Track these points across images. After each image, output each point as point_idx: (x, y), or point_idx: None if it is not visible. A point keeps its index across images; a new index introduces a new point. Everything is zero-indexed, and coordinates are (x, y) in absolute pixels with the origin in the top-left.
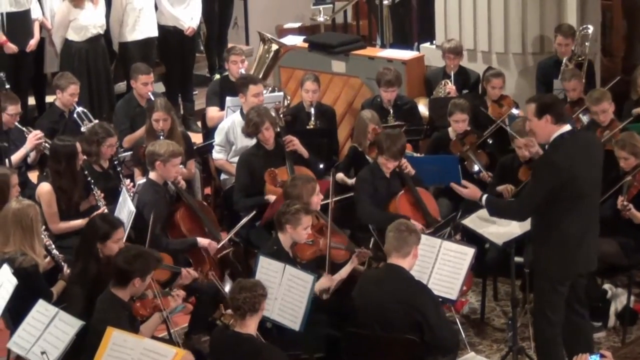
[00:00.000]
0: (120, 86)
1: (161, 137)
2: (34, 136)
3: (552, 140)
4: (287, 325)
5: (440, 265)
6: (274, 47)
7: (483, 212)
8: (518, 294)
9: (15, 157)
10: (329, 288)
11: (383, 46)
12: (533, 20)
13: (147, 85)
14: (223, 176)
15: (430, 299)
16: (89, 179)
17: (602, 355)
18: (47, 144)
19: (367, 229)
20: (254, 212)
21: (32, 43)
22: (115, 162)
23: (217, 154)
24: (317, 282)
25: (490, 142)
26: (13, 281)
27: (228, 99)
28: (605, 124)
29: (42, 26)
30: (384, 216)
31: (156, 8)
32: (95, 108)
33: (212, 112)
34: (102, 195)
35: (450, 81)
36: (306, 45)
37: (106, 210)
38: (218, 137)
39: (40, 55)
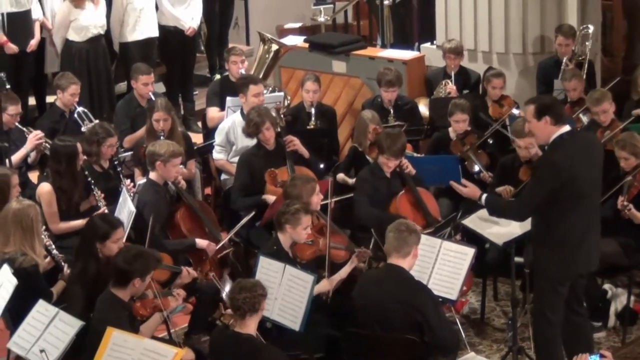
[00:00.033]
0: (121, 86)
1: (161, 137)
2: (35, 136)
3: (551, 141)
4: (287, 325)
5: (441, 266)
6: (274, 47)
7: (483, 212)
8: (518, 294)
9: (16, 157)
10: (329, 292)
11: (384, 46)
12: (533, 20)
13: (147, 85)
14: (223, 176)
15: (430, 299)
16: (90, 179)
17: (602, 356)
18: (47, 144)
19: (367, 229)
20: (254, 212)
21: (33, 43)
22: (116, 162)
23: (218, 154)
24: (316, 284)
25: (491, 142)
26: (13, 281)
27: (228, 99)
28: (606, 124)
29: (43, 26)
30: (382, 216)
31: (157, 8)
32: (96, 108)
33: (213, 112)
34: (103, 195)
35: (451, 81)
36: (307, 45)
37: (106, 211)
38: (218, 137)
39: (41, 55)
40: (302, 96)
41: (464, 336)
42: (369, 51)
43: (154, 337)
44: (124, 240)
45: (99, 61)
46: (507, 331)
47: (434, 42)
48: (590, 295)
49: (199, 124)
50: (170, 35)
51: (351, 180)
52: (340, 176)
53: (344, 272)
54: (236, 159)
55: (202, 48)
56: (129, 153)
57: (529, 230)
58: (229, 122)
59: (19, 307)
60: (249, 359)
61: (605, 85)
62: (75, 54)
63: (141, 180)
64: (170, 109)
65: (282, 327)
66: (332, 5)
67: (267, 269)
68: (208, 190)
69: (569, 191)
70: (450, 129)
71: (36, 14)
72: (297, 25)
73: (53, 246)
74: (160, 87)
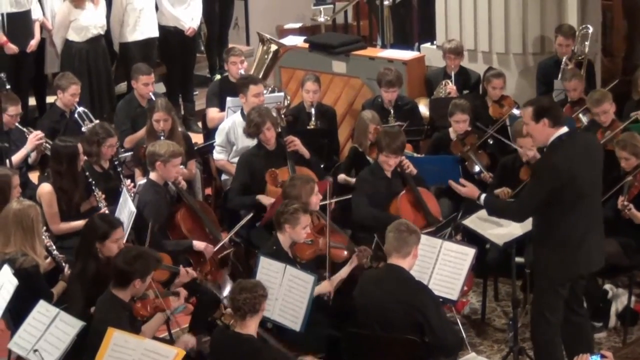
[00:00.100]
0: (121, 86)
1: (162, 138)
2: (35, 137)
3: (550, 142)
4: (288, 325)
5: (441, 266)
6: (273, 47)
7: (484, 213)
8: (519, 295)
9: (16, 157)
10: (330, 293)
11: (384, 46)
12: (533, 20)
13: (148, 85)
14: (224, 177)
15: (431, 299)
16: (90, 180)
17: (602, 356)
18: (47, 145)
19: (368, 228)
20: (252, 213)
21: (33, 43)
22: (116, 163)
23: (218, 155)
24: (317, 284)
25: (491, 142)
26: (14, 282)
27: (228, 99)
28: (606, 125)
29: (43, 27)
30: (380, 216)
31: (157, 8)
32: (96, 108)
33: (212, 112)
34: (103, 196)
35: (451, 81)
36: (307, 45)
37: (107, 211)
38: (219, 138)
39: (41, 55)
40: (302, 96)
41: (464, 336)
42: (369, 51)
43: (154, 338)
44: (124, 240)
45: (99, 61)
46: (507, 331)
47: (434, 42)
48: (591, 295)
49: (199, 124)
50: (170, 35)
51: (353, 180)
52: (342, 177)
53: (344, 272)
54: (237, 159)
55: (202, 48)
56: (129, 153)
57: (530, 230)
58: (229, 122)
59: (19, 308)
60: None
61: (605, 86)
62: (75, 54)
63: (141, 181)
64: (170, 109)
65: (282, 327)
66: (332, 6)
67: (268, 270)
68: (208, 191)
69: (569, 192)
70: (450, 129)
71: (36, 14)
72: (297, 25)
73: (54, 247)
74: (161, 88)
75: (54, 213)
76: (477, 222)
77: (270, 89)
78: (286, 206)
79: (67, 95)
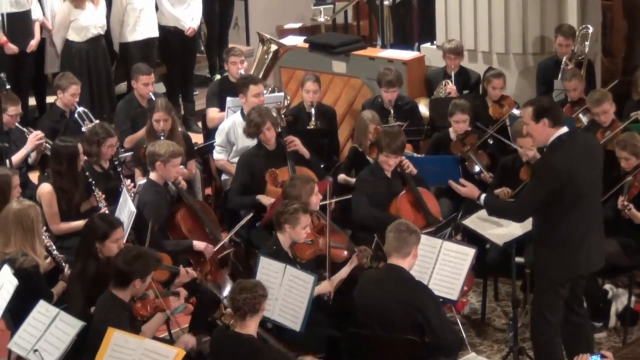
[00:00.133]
0: (121, 86)
1: (162, 138)
2: (35, 137)
3: (550, 142)
4: (288, 325)
5: (441, 266)
6: (273, 47)
7: (484, 213)
8: (519, 295)
9: (16, 157)
10: (330, 293)
11: (384, 46)
12: (533, 20)
13: (148, 85)
14: (224, 177)
15: (431, 299)
16: (90, 180)
17: (602, 356)
18: (48, 145)
19: (368, 228)
20: (252, 214)
21: (33, 43)
22: (116, 163)
23: (218, 155)
24: (317, 285)
25: (491, 142)
26: (14, 282)
27: (228, 99)
28: (606, 125)
29: (43, 27)
30: (379, 216)
31: (157, 8)
32: (96, 108)
33: (212, 113)
34: (103, 196)
35: (451, 81)
36: (307, 45)
37: (107, 211)
38: (219, 138)
39: (41, 55)
40: (302, 96)
41: (464, 336)
42: (369, 51)
43: (154, 338)
44: (124, 240)
45: (99, 61)
46: (507, 331)
47: (434, 42)
48: (591, 295)
49: (199, 124)
50: (170, 35)
51: (353, 180)
52: (342, 177)
53: (344, 272)
54: (237, 159)
55: (202, 48)
56: (130, 153)
57: (530, 230)
58: (229, 122)
59: (19, 308)
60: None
61: (605, 86)
62: (75, 54)
63: (141, 181)
64: (170, 109)
65: (282, 327)
66: (332, 6)
67: (268, 270)
68: (208, 191)
69: (568, 192)
70: (450, 129)
71: (36, 14)
72: (297, 25)
73: (54, 247)
74: (161, 88)
75: (54, 213)
76: (477, 222)
77: (270, 89)
78: (286, 206)
79: (67, 95)
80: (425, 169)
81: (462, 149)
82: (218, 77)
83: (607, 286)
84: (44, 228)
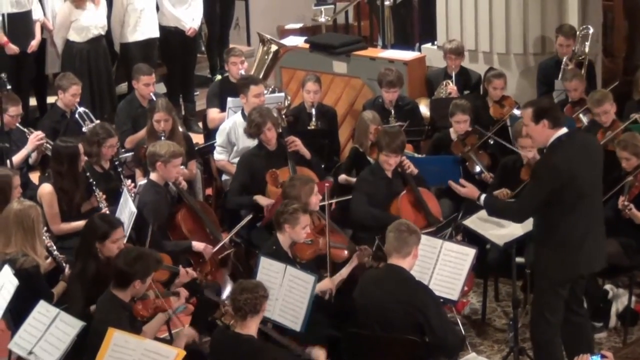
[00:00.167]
0: (122, 87)
1: (162, 138)
2: (35, 137)
3: (549, 143)
4: (288, 325)
5: (442, 266)
6: (273, 47)
7: (484, 213)
8: (519, 295)
9: (17, 158)
10: (331, 290)
11: (384, 47)
12: (534, 20)
13: (148, 85)
14: (224, 177)
15: (431, 299)
16: (91, 180)
17: (603, 356)
18: (48, 145)
19: (368, 228)
20: (251, 215)
21: (34, 44)
22: (116, 163)
23: (219, 155)
24: (318, 283)
25: (492, 142)
26: (14, 282)
27: (229, 99)
28: (607, 125)
29: (44, 27)
30: (379, 215)
31: (157, 9)
32: (97, 109)
33: (213, 113)
34: (104, 197)
35: (452, 82)
36: (307, 45)
37: (107, 212)
38: (219, 138)
39: (42, 56)
40: (302, 97)
41: (465, 336)
42: (370, 52)
43: (155, 338)
44: (124, 240)
45: (100, 62)
46: (508, 332)
47: (435, 42)
48: (592, 295)
49: (200, 124)
50: (171, 35)
51: (354, 180)
52: (342, 177)
53: (344, 272)
54: (237, 160)
55: (203, 49)
56: (130, 154)
57: (530, 230)
58: (229, 122)
59: (20, 308)
60: None
61: (606, 87)
62: (76, 54)
63: (142, 181)
64: (171, 110)
65: (283, 327)
66: (332, 6)
67: (268, 270)
68: (209, 191)
69: (568, 192)
70: (451, 130)
71: (37, 14)
72: (298, 25)
73: (54, 247)
74: (161, 88)
75: (54, 213)
76: (478, 222)
77: (270, 89)
78: (286, 206)
79: (67, 96)
80: (425, 169)
81: (462, 149)
82: (219, 77)
83: (608, 286)
84: (45, 228)
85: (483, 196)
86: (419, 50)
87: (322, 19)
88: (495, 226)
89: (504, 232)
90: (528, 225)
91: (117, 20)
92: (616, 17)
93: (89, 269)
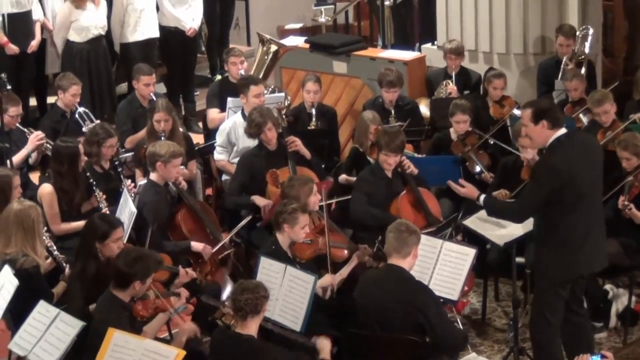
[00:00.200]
0: (122, 87)
1: (162, 138)
2: (35, 137)
3: (549, 144)
4: (288, 325)
5: (442, 266)
6: (273, 47)
7: (484, 213)
8: (519, 295)
9: (17, 158)
10: (332, 286)
11: (384, 47)
12: (534, 20)
13: (149, 86)
14: (224, 177)
15: (431, 298)
16: (91, 180)
17: (603, 356)
18: (48, 145)
19: (369, 228)
20: (251, 216)
21: (34, 44)
22: (116, 163)
23: (219, 155)
24: (319, 280)
25: (492, 142)
26: (14, 282)
27: (229, 99)
28: (607, 125)
29: (44, 27)
30: (378, 215)
31: (157, 9)
32: (97, 109)
33: (213, 113)
34: (104, 197)
35: (452, 82)
36: (307, 45)
37: (108, 212)
38: (219, 138)
39: (42, 56)
40: (302, 97)
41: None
42: (370, 52)
43: (155, 338)
44: (124, 240)
45: (100, 62)
46: (508, 332)
47: (435, 42)
48: (592, 295)
49: (200, 124)
50: (171, 35)
51: (354, 180)
52: (343, 177)
53: (344, 272)
54: (237, 160)
55: (203, 49)
56: (130, 154)
57: (530, 230)
58: (230, 123)
59: (20, 308)
60: None
61: (606, 87)
62: (76, 54)
63: (142, 182)
64: (171, 110)
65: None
66: (332, 6)
67: (268, 270)
68: (209, 191)
69: (568, 192)
70: (451, 130)
71: (37, 14)
72: (298, 25)
73: (54, 247)
74: (161, 88)
75: (54, 213)
76: (478, 222)
77: (270, 89)
78: (284, 206)
79: (67, 96)
80: (425, 169)
81: (462, 149)
82: (219, 77)
83: (608, 286)
84: (45, 228)
85: (482, 196)
86: (419, 50)
87: (322, 19)
88: (495, 226)
89: (504, 232)
90: (528, 225)
91: (117, 20)
92: (616, 17)
93: (89, 269)
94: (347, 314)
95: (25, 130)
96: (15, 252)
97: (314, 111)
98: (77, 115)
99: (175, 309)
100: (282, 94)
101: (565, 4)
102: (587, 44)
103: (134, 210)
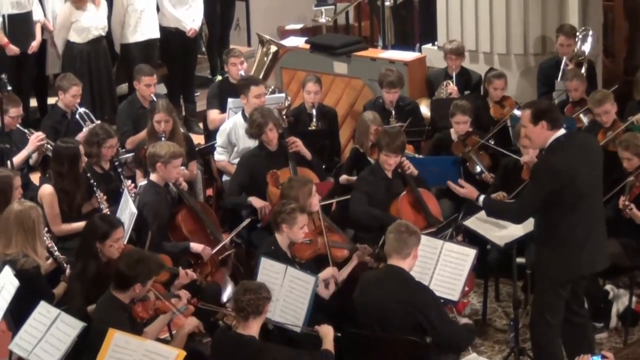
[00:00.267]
0: (122, 87)
1: (163, 139)
2: (36, 138)
3: (548, 144)
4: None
5: (442, 267)
6: (273, 48)
7: (484, 214)
8: (520, 295)
9: (17, 158)
10: (334, 278)
11: (385, 47)
12: (535, 21)
13: (150, 86)
14: (225, 178)
15: (432, 298)
16: (92, 181)
17: (603, 356)
18: (49, 146)
19: (370, 229)
20: (250, 218)
21: (34, 45)
22: (116, 164)
23: (220, 156)
24: (321, 273)
25: (492, 143)
26: (15, 283)
27: (230, 100)
28: (608, 125)
29: (44, 28)
30: (378, 215)
31: (158, 9)
32: (97, 109)
33: (213, 114)
34: (105, 197)
35: (452, 82)
36: (308, 46)
37: (108, 213)
38: (220, 139)
39: (42, 56)
40: (303, 97)
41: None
42: (370, 52)
43: (155, 339)
44: (124, 240)
45: (100, 62)
46: (508, 332)
47: (435, 43)
48: (592, 296)
49: (201, 125)
50: (171, 36)
51: (355, 179)
52: (344, 177)
53: (344, 272)
54: (237, 161)
55: (204, 49)
56: (131, 154)
57: (531, 230)
58: (230, 123)
59: (20, 309)
60: None
61: (607, 87)
62: (76, 55)
63: (142, 182)
64: (171, 110)
65: (283, 328)
66: (333, 7)
67: (269, 270)
68: (209, 192)
69: (568, 192)
70: (451, 130)
71: (37, 15)
72: (299, 26)
73: (55, 248)
74: (162, 89)
75: (55, 214)
76: (478, 223)
77: (271, 89)
78: (283, 206)
79: (68, 97)
80: (426, 170)
81: (463, 149)
82: (219, 78)
83: (608, 287)
84: (45, 229)
85: (482, 197)
86: (420, 50)
87: (322, 20)
88: (495, 227)
89: (504, 232)
90: (529, 225)
91: (117, 21)
92: (617, 18)
93: (90, 269)
94: (347, 314)
95: (26, 131)
96: (16, 252)
97: (314, 112)
98: (77, 116)
99: (177, 309)
100: (283, 95)
101: (566, 4)
102: (588, 44)
103: (135, 210)
